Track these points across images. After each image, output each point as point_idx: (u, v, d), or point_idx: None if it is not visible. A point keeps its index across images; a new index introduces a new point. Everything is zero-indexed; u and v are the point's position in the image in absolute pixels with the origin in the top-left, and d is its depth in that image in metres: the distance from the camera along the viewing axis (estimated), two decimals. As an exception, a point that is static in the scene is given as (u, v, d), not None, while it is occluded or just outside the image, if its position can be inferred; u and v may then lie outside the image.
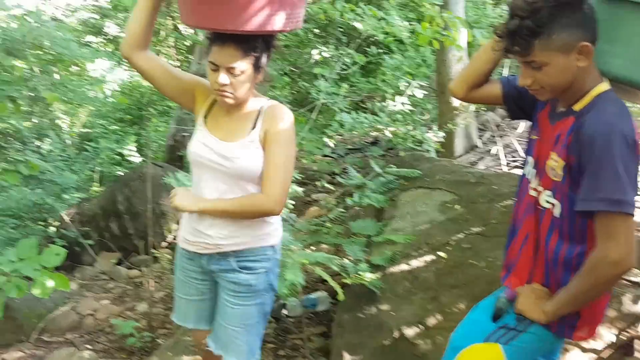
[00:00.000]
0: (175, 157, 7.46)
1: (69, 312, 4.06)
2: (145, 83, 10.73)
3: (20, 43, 4.74)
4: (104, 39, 10.46)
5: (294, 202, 3.60)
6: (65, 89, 4.96)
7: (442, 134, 4.28)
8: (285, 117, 1.75)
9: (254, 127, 1.74)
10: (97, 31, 10.36)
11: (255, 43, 1.66)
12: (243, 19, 1.55)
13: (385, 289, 2.89)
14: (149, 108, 8.68)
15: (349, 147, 6.63)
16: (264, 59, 1.72)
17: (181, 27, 9.30)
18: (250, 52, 1.67)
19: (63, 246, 4.54)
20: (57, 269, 2.38)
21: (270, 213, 1.77)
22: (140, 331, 3.55)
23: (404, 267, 3.01)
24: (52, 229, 5.23)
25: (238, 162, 1.73)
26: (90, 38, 10.42)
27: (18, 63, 5.05)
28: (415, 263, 3.01)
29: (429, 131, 4.18)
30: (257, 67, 1.70)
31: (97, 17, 10.42)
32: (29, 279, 3.46)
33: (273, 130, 1.72)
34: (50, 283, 3.39)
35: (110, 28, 10.81)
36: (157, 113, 8.78)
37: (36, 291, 3.40)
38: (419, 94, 4.61)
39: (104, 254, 5.22)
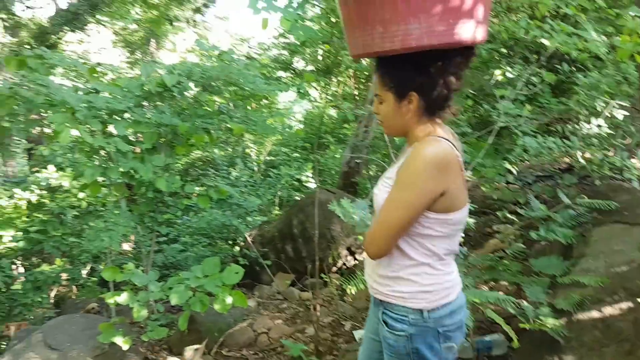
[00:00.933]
0: (349, 183, 7.61)
1: (246, 329, 4.27)
2: (328, 111, 11.24)
3: (215, 80, 5.26)
4: (292, 73, 11.24)
5: (469, 234, 3.34)
6: (252, 121, 5.36)
7: (647, 159, 3.63)
8: (418, 157, 1.43)
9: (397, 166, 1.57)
10: (286, 66, 11.18)
11: (391, 68, 1.50)
12: (369, 42, 1.44)
13: (570, 337, 2.53)
14: (327, 136, 9.03)
15: (538, 173, 6.05)
16: (406, 85, 1.49)
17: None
18: (386, 77, 1.52)
19: (244, 265, 4.90)
20: (239, 286, 2.48)
21: (366, 252, 1.59)
22: (308, 354, 3.57)
23: (594, 314, 2.59)
24: (236, 249, 5.64)
25: (376, 200, 1.59)
26: (280, 73, 11.28)
27: (215, 98, 5.64)
28: (609, 310, 2.58)
29: (633, 157, 3.56)
30: (398, 94, 1.51)
31: (287, 53, 11.27)
32: (211, 294, 3.74)
33: (400, 170, 1.49)
34: (229, 299, 3.63)
35: (299, 63, 11.59)
36: (335, 141, 9.09)
37: (217, 306, 3.66)
38: (620, 115, 3.99)
39: (280, 274, 5.46)
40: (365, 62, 9.25)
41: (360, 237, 3.36)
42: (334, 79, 10.29)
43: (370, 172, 8.16)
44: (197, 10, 12.32)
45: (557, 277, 2.90)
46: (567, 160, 5.26)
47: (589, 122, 3.98)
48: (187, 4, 11.40)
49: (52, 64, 4.89)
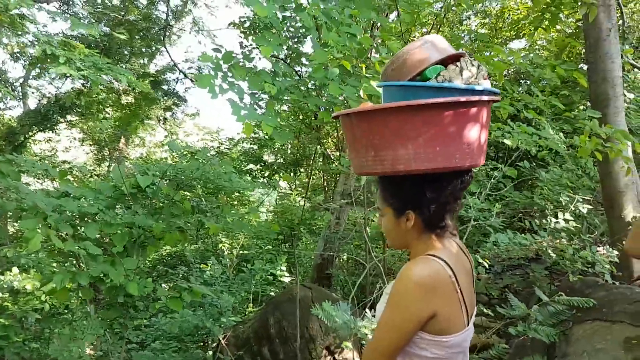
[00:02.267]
0: (323, 275, 7.55)
1: None
2: (298, 202, 11.33)
3: (189, 179, 5.31)
4: (262, 166, 11.44)
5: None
6: (225, 218, 5.36)
7: (615, 252, 3.75)
8: (403, 277, 1.43)
9: None
10: (256, 160, 11.38)
11: (391, 186, 1.56)
12: (363, 164, 1.53)
13: None
14: (300, 227, 9.05)
15: (506, 263, 6.12)
16: (404, 204, 1.53)
17: (328, 151, 9.85)
18: (385, 193, 1.58)
19: (219, 371, 4.69)
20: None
21: None
22: None
23: (587, 418, 2.53)
24: (209, 353, 5.41)
25: (377, 314, 1.59)
26: (251, 165, 11.47)
27: (187, 194, 5.65)
28: (601, 414, 2.53)
29: (600, 250, 3.69)
30: (397, 210, 1.55)
31: (256, 147, 11.51)
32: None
33: (390, 290, 1.48)
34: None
35: (268, 156, 11.84)
36: (307, 232, 9.10)
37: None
38: (584, 209, 4.16)
39: (256, 379, 5.23)
40: (333, 155, 9.51)
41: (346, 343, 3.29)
42: (302, 171, 10.51)
43: (343, 264, 8.14)
44: (168, 109, 12.60)
45: (543, 378, 2.87)
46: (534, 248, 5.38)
47: (555, 216, 4.13)
48: (158, 103, 11.67)
49: (23, 169, 4.87)
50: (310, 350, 5.17)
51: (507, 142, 3.95)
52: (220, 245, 8.81)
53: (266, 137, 11.45)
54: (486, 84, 1.55)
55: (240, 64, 3.39)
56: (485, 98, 1.49)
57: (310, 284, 6.20)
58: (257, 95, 3.27)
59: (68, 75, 12.37)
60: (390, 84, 1.59)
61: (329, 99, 3.25)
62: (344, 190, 7.67)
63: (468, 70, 1.51)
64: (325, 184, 10.16)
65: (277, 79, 3.15)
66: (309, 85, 3.57)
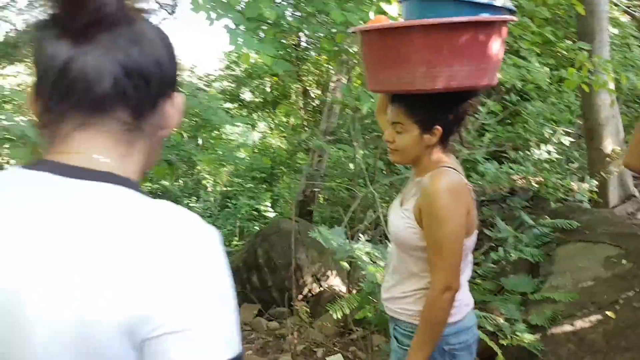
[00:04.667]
0: (306, 212, 7.70)
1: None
2: (276, 143, 11.34)
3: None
4: (239, 104, 11.31)
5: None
6: (211, 152, 5.40)
7: (594, 182, 3.96)
8: (438, 192, 1.52)
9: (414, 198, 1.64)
10: (234, 98, 11.24)
11: (421, 102, 1.58)
12: (402, 80, 1.54)
13: (547, 351, 2.69)
14: (280, 167, 9.13)
15: (482, 198, 6.36)
16: (434, 119, 1.58)
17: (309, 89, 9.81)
18: (414, 111, 1.59)
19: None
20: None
21: (443, 304, 1.55)
22: (285, 384, 3.58)
23: (567, 327, 2.77)
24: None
25: (396, 234, 1.67)
26: (227, 104, 11.34)
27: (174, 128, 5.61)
28: (580, 323, 2.76)
29: (580, 181, 3.89)
30: (424, 127, 1.59)
31: (234, 85, 11.34)
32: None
33: (426, 210, 1.55)
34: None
35: (245, 94, 11.69)
36: (288, 171, 9.19)
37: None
38: (565, 141, 4.35)
39: (245, 305, 5.42)
40: (314, 93, 9.50)
41: (342, 262, 3.45)
42: (281, 110, 10.47)
43: (323, 201, 8.28)
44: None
45: (529, 294, 3.09)
46: (510, 184, 5.60)
47: (538, 149, 4.29)
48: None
49: (4, 97, 4.75)
50: (297, 277, 5.36)
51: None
52: (203, 182, 8.85)
53: (243, 74, 11.29)
54: (505, 1, 1.57)
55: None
56: (509, 18, 1.56)
57: (297, 218, 6.34)
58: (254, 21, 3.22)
59: (36, 4, 11.77)
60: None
61: (329, 26, 3.25)
62: (326, 127, 7.70)
63: None
64: (305, 124, 10.18)
65: (275, 3, 3.11)
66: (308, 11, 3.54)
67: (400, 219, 1.64)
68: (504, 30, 1.59)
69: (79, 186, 0.62)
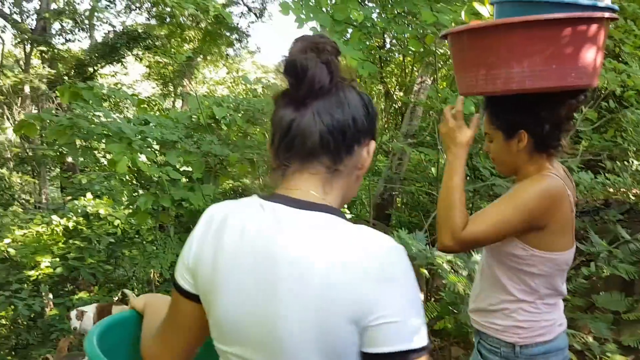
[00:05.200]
0: (383, 215, 7.64)
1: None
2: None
3: (260, 113, 5.42)
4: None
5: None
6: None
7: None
8: (528, 184, 1.50)
9: None
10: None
11: (501, 106, 1.55)
12: (473, 83, 1.50)
13: (641, 376, 2.51)
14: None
15: (575, 209, 6.00)
16: (517, 124, 1.52)
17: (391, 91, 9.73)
18: (496, 116, 1.56)
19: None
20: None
21: (442, 237, 1.51)
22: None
23: (664, 352, 2.57)
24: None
25: None
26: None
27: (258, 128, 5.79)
28: (680, 349, 2.55)
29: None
30: (507, 132, 1.54)
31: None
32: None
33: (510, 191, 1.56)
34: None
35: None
36: (367, 172, 9.17)
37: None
38: (670, 151, 4.03)
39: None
40: (396, 95, 9.40)
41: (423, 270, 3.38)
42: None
43: (402, 204, 8.19)
44: (230, 44, 12.66)
45: (622, 313, 2.89)
46: (603, 196, 5.26)
47: (638, 159, 4.01)
48: (222, 38, 11.71)
49: (103, 96, 5.10)
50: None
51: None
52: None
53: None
54: (607, 0, 1.48)
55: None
56: (606, 15, 1.44)
57: (375, 221, 6.32)
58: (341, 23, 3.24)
59: (134, 7, 12.58)
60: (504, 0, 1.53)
61: (418, 27, 3.21)
62: (408, 130, 7.61)
63: None
64: (386, 125, 10.10)
65: (364, 6, 3.12)
66: (396, 12, 3.52)
67: None
68: (605, 29, 1.48)
69: (307, 214, 0.86)
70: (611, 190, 3.72)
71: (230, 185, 9.93)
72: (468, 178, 5.43)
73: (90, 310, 5.45)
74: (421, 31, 3.19)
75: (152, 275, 6.27)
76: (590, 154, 4.73)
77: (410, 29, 3.35)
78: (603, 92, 4.22)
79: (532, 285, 1.53)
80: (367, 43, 4.45)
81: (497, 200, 1.54)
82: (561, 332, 1.61)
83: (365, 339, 0.80)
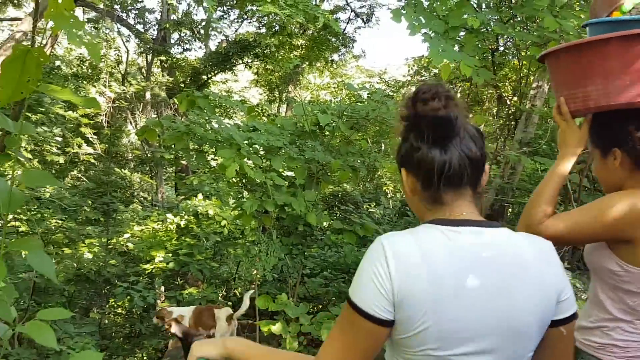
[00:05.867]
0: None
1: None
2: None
3: (363, 120, 5.37)
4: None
5: None
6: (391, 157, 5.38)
7: None
8: (617, 195, 1.51)
9: None
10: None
11: (595, 124, 1.58)
12: (570, 100, 1.55)
13: None
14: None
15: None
16: (610, 142, 1.53)
17: (504, 95, 9.26)
18: (592, 135, 1.59)
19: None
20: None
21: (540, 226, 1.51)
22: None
23: None
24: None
25: (587, 254, 1.63)
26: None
27: (361, 134, 5.75)
28: None
29: None
30: (602, 150, 1.56)
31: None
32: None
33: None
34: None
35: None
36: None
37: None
38: None
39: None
40: (508, 99, 8.93)
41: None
42: (474, 118, 10.04)
43: (513, 216, 7.76)
44: (335, 50, 12.77)
45: None
46: None
47: None
48: (329, 44, 11.84)
49: (217, 104, 5.32)
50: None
51: None
52: (384, 188, 8.89)
53: (433, 79, 11.10)
54: None
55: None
56: None
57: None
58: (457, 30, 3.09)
59: (246, 17, 13.12)
60: (596, 21, 1.54)
61: (540, 33, 2.97)
62: (522, 138, 7.20)
63: None
64: (498, 132, 9.64)
65: (481, 10, 2.95)
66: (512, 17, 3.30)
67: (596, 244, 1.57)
68: None
69: (485, 229, 1.09)
70: None
71: (330, 190, 10.02)
72: (586, 189, 5.00)
73: (187, 313, 5.71)
74: (542, 37, 2.94)
75: (255, 276, 6.45)
76: None
77: (530, 34, 3.11)
78: None
79: (630, 304, 1.49)
80: (480, 46, 4.25)
81: (586, 205, 1.55)
82: None
83: (557, 309, 1.08)
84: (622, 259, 1.47)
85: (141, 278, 8.05)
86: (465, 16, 2.99)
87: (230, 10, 13.27)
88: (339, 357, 1.09)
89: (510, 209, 7.21)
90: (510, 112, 8.35)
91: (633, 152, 1.49)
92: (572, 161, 1.59)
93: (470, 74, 2.80)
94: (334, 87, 15.68)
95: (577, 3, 2.97)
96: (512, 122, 7.84)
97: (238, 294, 8.21)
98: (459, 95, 10.92)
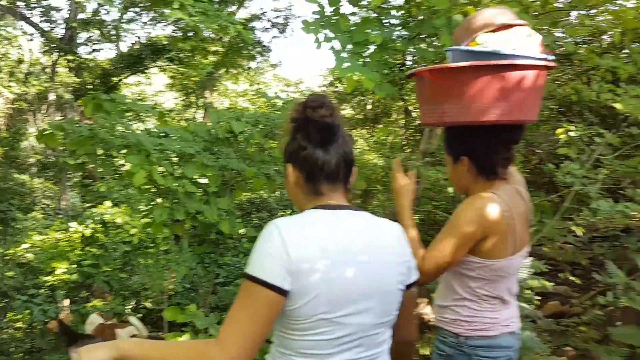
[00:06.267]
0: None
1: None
2: (374, 160, 11.33)
3: (279, 128, 5.44)
4: (340, 120, 11.43)
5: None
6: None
7: None
8: (464, 204, 1.75)
9: None
10: (335, 114, 11.38)
11: (447, 135, 1.85)
12: (430, 114, 1.81)
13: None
14: (376, 184, 9.10)
15: (595, 234, 5.89)
16: (458, 151, 1.79)
17: (410, 108, 9.71)
18: (444, 142, 1.86)
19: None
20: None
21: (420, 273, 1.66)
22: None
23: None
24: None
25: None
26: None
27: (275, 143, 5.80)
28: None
29: None
30: (453, 157, 1.82)
31: (335, 101, 11.51)
32: (269, 341, 3.76)
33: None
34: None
35: (346, 110, 11.82)
36: (384, 189, 9.13)
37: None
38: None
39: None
40: (415, 112, 9.38)
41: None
42: (381, 130, 10.43)
43: (420, 223, 8.10)
44: (252, 58, 12.79)
45: (637, 348, 2.81)
46: (623, 224, 5.14)
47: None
48: (245, 51, 11.83)
49: (125, 107, 5.16)
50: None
51: (618, 105, 3.76)
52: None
53: (346, 91, 11.41)
54: (528, 51, 1.69)
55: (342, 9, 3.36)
56: (518, 62, 1.66)
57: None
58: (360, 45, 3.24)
59: (160, 20, 12.81)
60: (455, 48, 1.80)
61: (438, 49, 3.19)
62: (426, 149, 7.57)
63: (512, 37, 1.71)
64: (405, 143, 10.07)
65: (383, 28, 3.12)
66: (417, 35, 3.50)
67: None
68: (539, 76, 1.71)
69: (357, 212, 1.32)
70: (635, 214, 3.64)
71: (247, 197, 9.98)
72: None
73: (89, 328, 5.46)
74: (439, 54, 3.17)
75: (165, 287, 6.30)
76: (613, 181, 4.64)
77: (428, 51, 3.34)
78: (625, 119, 4.15)
79: (472, 287, 1.77)
80: (390, 60, 4.45)
81: (441, 232, 1.76)
82: (506, 332, 1.81)
83: (409, 275, 1.37)
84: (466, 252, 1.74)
85: (42, 291, 7.59)
86: (369, 31, 3.15)
87: (142, 12, 12.89)
88: (242, 332, 1.17)
89: (415, 216, 7.52)
90: (417, 123, 8.80)
91: (477, 161, 1.77)
92: (406, 204, 1.85)
93: (372, 88, 2.94)
94: (252, 95, 15.69)
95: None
96: (419, 134, 8.25)
97: (148, 306, 7.96)
98: (369, 107, 11.35)
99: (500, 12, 1.81)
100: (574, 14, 4.87)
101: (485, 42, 1.71)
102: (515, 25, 1.75)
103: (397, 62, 7.73)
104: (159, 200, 5.32)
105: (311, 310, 1.19)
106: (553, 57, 1.76)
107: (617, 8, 3.30)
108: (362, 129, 11.50)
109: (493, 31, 1.74)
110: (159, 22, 12.22)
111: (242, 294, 1.21)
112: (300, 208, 1.38)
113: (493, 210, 1.68)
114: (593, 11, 4.81)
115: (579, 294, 4.96)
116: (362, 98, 11.27)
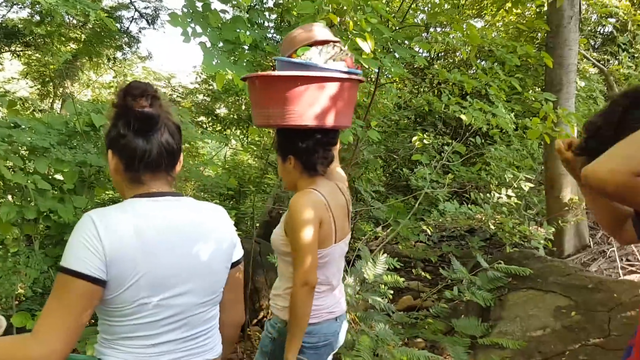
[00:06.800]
0: (270, 232, 7.63)
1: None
2: (248, 160, 11.29)
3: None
4: (214, 119, 11.23)
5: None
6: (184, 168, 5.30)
7: (551, 230, 4.06)
8: (292, 207, 1.90)
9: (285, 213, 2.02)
10: (209, 112, 11.15)
11: (277, 137, 2.04)
12: (259, 116, 1.97)
13: (491, 396, 2.70)
14: (249, 185, 9.08)
15: (443, 234, 6.42)
16: (286, 151, 1.99)
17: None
18: (276, 144, 2.05)
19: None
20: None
21: (302, 297, 1.84)
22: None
23: (512, 374, 2.80)
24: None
25: (272, 241, 2.06)
26: (202, 118, 11.23)
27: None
28: (526, 371, 2.79)
29: (538, 228, 3.98)
30: (282, 156, 2.02)
31: (209, 99, 11.25)
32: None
33: (287, 220, 1.95)
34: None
35: (221, 109, 11.63)
36: (257, 190, 9.13)
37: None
38: (526, 187, 4.46)
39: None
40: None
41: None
42: (252, 128, 10.41)
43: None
44: (118, 48, 12.06)
45: (478, 338, 3.11)
46: (467, 224, 5.69)
47: (499, 192, 4.39)
48: (107, 40, 11.12)
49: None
50: (254, 301, 5.30)
51: (463, 117, 4.13)
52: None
53: (220, 90, 11.23)
54: (339, 65, 1.91)
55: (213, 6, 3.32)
56: (330, 75, 1.85)
57: (259, 239, 6.29)
58: (231, 44, 3.22)
59: (20, 4, 11.54)
60: (279, 58, 1.99)
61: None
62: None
63: (327, 52, 1.90)
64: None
65: (254, 28, 3.13)
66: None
67: (277, 229, 2.03)
68: (345, 85, 1.91)
69: (180, 198, 1.36)
70: (478, 216, 4.03)
71: (110, 195, 9.39)
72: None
73: None
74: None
75: (12, 291, 5.71)
76: (459, 185, 5.09)
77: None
78: (471, 128, 4.58)
79: None
80: (263, 62, 4.46)
81: (291, 233, 1.89)
82: (329, 319, 2.01)
83: (234, 254, 1.44)
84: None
85: None
86: (239, 30, 3.14)
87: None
88: (57, 324, 1.16)
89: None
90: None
91: (300, 159, 1.97)
92: None
93: (242, 86, 2.94)
94: (118, 87, 14.74)
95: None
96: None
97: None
98: (243, 107, 11.27)
99: (320, 28, 2.00)
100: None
101: (304, 54, 1.87)
102: (332, 41, 1.94)
103: (272, 65, 7.77)
104: (9, 197, 4.84)
105: (132, 297, 1.21)
106: (361, 72, 1.99)
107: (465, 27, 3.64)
108: (236, 129, 11.39)
109: (312, 45, 1.92)
110: (15, 5, 11.04)
111: (57, 286, 1.19)
112: (123, 197, 1.38)
113: (314, 205, 1.88)
114: (448, 28, 5.25)
115: (429, 289, 5.38)
116: (237, 98, 11.16)
